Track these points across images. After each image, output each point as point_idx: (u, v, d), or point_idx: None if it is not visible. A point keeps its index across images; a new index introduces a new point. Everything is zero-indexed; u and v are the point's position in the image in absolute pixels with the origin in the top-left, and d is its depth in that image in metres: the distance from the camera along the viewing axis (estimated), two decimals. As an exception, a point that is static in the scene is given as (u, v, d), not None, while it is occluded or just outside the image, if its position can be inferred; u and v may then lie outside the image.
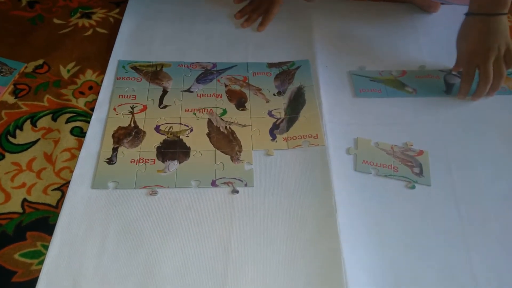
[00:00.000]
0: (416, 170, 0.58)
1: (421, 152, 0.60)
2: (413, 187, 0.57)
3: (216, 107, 0.65)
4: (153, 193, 0.55)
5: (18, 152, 0.59)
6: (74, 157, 0.58)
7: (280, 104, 0.65)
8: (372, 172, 0.58)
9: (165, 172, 0.56)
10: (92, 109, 0.63)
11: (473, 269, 0.50)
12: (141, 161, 0.58)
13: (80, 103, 0.65)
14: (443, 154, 0.61)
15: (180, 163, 0.58)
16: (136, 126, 0.61)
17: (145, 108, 0.64)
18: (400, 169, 0.58)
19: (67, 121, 0.63)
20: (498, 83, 0.64)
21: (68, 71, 0.70)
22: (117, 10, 0.81)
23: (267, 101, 0.66)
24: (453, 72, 0.71)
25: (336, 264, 0.49)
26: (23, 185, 0.56)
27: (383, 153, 0.60)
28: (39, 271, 0.48)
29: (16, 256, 0.49)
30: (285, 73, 0.70)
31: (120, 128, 0.61)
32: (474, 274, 0.50)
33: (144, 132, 0.61)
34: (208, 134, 0.61)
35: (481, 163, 0.60)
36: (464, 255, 0.52)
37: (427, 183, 0.57)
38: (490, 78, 0.63)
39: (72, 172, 0.56)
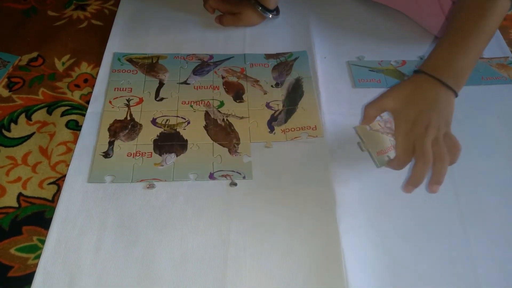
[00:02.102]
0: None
1: None
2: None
3: (213, 99, 0.64)
4: (150, 186, 0.54)
5: (13, 146, 0.58)
6: (70, 151, 0.57)
7: (278, 96, 0.65)
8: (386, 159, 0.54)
9: (162, 165, 0.56)
10: (88, 102, 0.63)
11: (473, 262, 0.50)
12: (137, 154, 0.57)
13: (76, 96, 0.64)
14: (443, 145, 0.60)
15: (177, 156, 0.57)
16: (132, 119, 0.61)
17: (141, 100, 0.63)
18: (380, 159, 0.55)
19: (63, 115, 0.62)
20: (440, 168, 0.49)
21: (63, 63, 0.69)
22: (112, 2, 0.80)
23: (265, 93, 0.65)
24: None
25: (336, 255, 0.49)
26: (19, 179, 0.55)
27: (379, 134, 0.56)
28: (35, 265, 0.47)
29: (12, 250, 0.49)
30: (283, 64, 0.69)
31: (116, 121, 0.60)
32: (475, 266, 0.50)
33: (141, 125, 0.60)
34: (206, 127, 0.60)
35: (481, 153, 0.59)
36: (464, 247, 0.51)
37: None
38: (429, 158, 0.49)
39: (68, 166, 0.56)
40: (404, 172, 0.57)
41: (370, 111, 0.54)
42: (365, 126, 0.56)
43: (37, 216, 0.52)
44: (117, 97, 0.63)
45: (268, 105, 0.63)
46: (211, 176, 0.55)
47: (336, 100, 0.65)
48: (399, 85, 0.54)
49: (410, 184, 0.50)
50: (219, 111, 0.62)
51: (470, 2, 0.53)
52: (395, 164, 0.52)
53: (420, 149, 0.49)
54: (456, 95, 0.53)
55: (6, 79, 0.66)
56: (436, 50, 0.53)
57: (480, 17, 0.52)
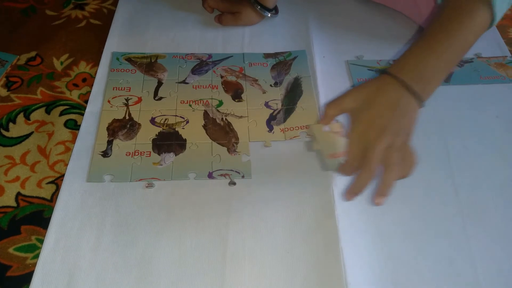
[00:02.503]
0: None
1: None
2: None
3: (212, 98, 0.64)
4: (149, 185, 0.54)
5: (11, 146, 0.58)
6: (69, 150, 0.57)
7: (277, 95, 0.65)
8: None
9: (161, 165, 0.56)
10: (86, 102, 0.63)
11: (473, 260, 0.50)
12: (136, 153, 0.57)
13: (74, 95, 0.64)
14: (442, 143, 0.60)
15: (176, 155, 0.57)
16: (131, 119, 0.61)
17: (140, 100, 0.63)
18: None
19: (61, 114, 0.62)
20: (388, 179, 0.45)
21: (62, 63, 0.69)
22: (110, 1, 0.79)
23: (264, 92, 0.65)
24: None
25: (335, 254, 0.49)
26: (17, 178, 0.55)
27: (336, 136, 0.51)
28: (34, 265, 0.47)
29: (11, 250, 0.49)
30: (281, 63, 0.69)
31: (114, 120, 0.60)
32: (474, 265, 0.50)
33: (139, 124, 0.60)
34: (204, 126, 0.60)
35: (480, 152, 0.59)
36: (464, 245, 0.51)
37: None
38: (373, 168, 0.45)
39: (66, 165, 0.55)
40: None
41: (329, 110, 0.50)
42: (321, 125, 0.51)
43: (35, 215, 0.52)
44: (115, 97, 0.63)
45: (267, 104, 0.63)
46: (210, 175, 0.55)
47: (335, 99, 0.64)
48: (362, 85, 0.50)
49: (350, 191, 0.46)
50: (218, 111, 0.62)
51: (447, 11, 0.50)
52: (344, 168, 0.48)
53: (368, 155, 0.45)
54: (422, 105, 0.49)
55: (4, 79, 0.66)
56: (406, 53, 0.50)
57: (455, 28, 0.49)
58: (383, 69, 0.50)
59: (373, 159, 0.45)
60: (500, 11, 0.49)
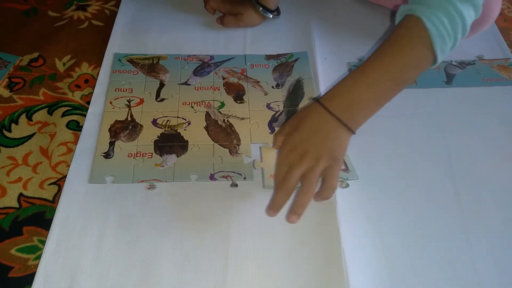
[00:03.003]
0: (342, 166, 0.53)
1: None
2: (347, 186, 0.55)
3: (214, 100, 0.64)
4: (151, 187, 0.54)
5: (13, 146, 0.58)
6: (71, 151, 0.57)
7: (278, 97, 0.65)
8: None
9: (163, 166, 0.56)
10: (88, 103, 0.63)
11: (474, 261, 0.50)
12: (138, 155, 0.57)
13: (76, 96, 0.64)
14: (444, 146, 0.60)
15: (178, 156, 0.57)
16: (133, 120, 0.61)
17: (142, 101, 0.63)
18: None
19: (63, 115, 0.62)
20: (301, 200, 0.47)
21: (64, 64, 0.69)
22: (113, 2, 0.80)
23: (266, 94, 0.65)
24: (453, 63, 0.70)
25: (336, 256, 0.49)
26: (19, 179, 0.55)
27: None
28: (36, 266, 0.47)
29: (13, 251, 0.49)
30: (283, 65, 0.69)
31: (116, 121, 0.60)
32: (475, 267, 0.50)
33: (141, 125, 0.60)
34: (206, 127, 0.60)
35: (482, 154, 0.59)
36: (465, 246, 0.51)
37: (355, 177, 0.55)
38: (288, 188, 0.47)
39: (68, 166, 0.56)
40: (408, 175, 0.57)
41: (275, 136, 0.52)
42: (272, 148, 0.53)
43: (37, 216, 0.52)
44: (117, 98, 0.63)
45: (268, 106, 0.63)
46: (212, 177, 0.55)
47: (337, 101, 0.64)
48: (297, 112, 0.52)
49: (270, 208, 0.48)
50: (219, 112, 0.62)
51: (387, 44, 0.50)
52: (275, 188, 0.49)
53: (286, 177, 0.47)
54: (352, 132, 0.49)
55: (7, 80, 0.66)
56: (339, 83, 0.51)
57: (390, 61, 0.49)
58: (315, 97, 0.52)
59: (290, 180, 0.47)
60: (441, 52, 0.48)
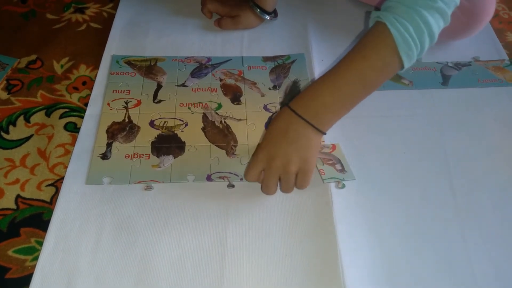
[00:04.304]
0: (338, 166, 0.56)
1: (334, 147, 0.58)
2: (343, 186, 0.55)
3: (211, 101, 0.64)
4: (148, 188, 0.54)
5: (11, 148, 0.58)
6: (68, 153, 0.58)
7: (275, 98, 0.65)
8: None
9: (160, 167, 0.56)
10: (86, 105, 0.63)
11: (471, 261, 0.50)
12: (135, 156, 0.57)
13: (74, 98, 0.65)
14: (440, 146, 0.60)
15: (175, 158, 0.57)
16: (130, 121, 0.61)
17: (139, 103, 0.63)
18: (326, 170, 0.56)
19: (61, 117, 0.62)
20: (285, 192, 0.52)
21: (62, 66, 0.69)
22: (110, 5, 0.80)
23: (263, 95, 0.65)
24: (449, 64, 0.71)
25: (333, 257, 0.49)
26: (17, 181, 0.55)
27: None
28: (33, 267, 0.47)
29: (10, 252, 0.49)
30: (280, 67, 0.70)
31: (114, 123, 0.60)
32: (472, 266, 0.50)
33: (139, 127, 0.60)
34: (203, 129, 0.61)
35: (478, 155, 0.60)
36: (461, 246, 0.51)
37: (351, 177, 0.56)
38: (271, 192, 0.52)
39: (66, 167, 0.56)
40: (404, 175, 0.57)
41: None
42: None
43: (35, 218, 0.52)
44: (115, 99, 0.63)
45: (265, 108, 0.64)
46: (209, 178, 0.55)
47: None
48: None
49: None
50: (216, 113, 0.63)
51: (356, 48, 0.51)
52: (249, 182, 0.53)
53: (264, 185, 0.52)
54: (321, 132, 0.51)
55: (5, 82, 0.66)
56: (308, 87, 0.53)
57: (356, 65, 0.50)
58: (285, 102, 0.53)
59: (269, 185, 0.51)
60: (407, 58, 0.49)
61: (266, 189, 0.52)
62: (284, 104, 0.53)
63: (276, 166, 0.50)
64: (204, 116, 0.62)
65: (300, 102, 0.52)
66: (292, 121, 0.51)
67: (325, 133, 0.52)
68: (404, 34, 0.48)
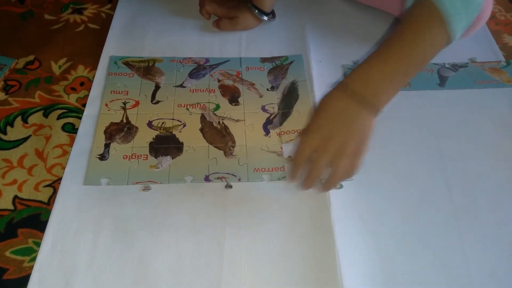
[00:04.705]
0: None
1: None
2: (341, 187, 0.55)
3: (209, 102, 0.64)
4: (146, 189, 0.54)
5: (9, 149, 0.58)
6: (66, 153, 0.58)
7: (273, 99, 0.65)
8: (264, 179, 0.56)
9: (158, 168, 0.56)
10: (84, 105, 0.63)
11: (467, 262, 0.50)
12: (133, 157, 0.57)
13: (72, 99, 0.65)
14: (437, 147, 0.61)
15: (173, 158, 0.57)
16: (128, 122, 0.61)
17: (137, 103, 0.63)
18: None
19: (59, 117, 0.62)
20: (330, 185, 0.50)
21: (60, 67, 0.69)
22: (108, 6, 0.80)
23: (261, 96, 0.66)
24: (446, 65, 0.71)
25: (330, 257, 0.49)
26: (14, 181, 0.55)
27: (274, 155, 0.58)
28: (31, 268, 0.47)
29: (7, 253, 0.49)
30: (278, 68, 0.70)
31: (112, 124, 0.60)
32: (468, 268, 0.50)
33: (137, 127, 0.60)
34: (201, 129, 0.61)
35: (474, 156, 0.60)
36: (458, 247, 0.52)
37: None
38: (318, 175, 0.49)
39: (64, 168, 0.56)
40: (401, 176, 0.58)
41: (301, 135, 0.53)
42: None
43: (32, 218, 0.52)
44: (113, 100, 0.63)
45: (263, 108, 0.64)
46: (207, 179, 0.55)
47: (331, 103, 0.65)
48: (318, 103, 0.52)
49: (302, 185, 0.51)
50: (215, 114, 0.63)
51: (404, 25, 0.51)
52: (292, 170, 0.51)
53: (315, 161, 0.48)
54: (376, 112, 0.50)
55: (2, 82, 0.66)
56: (357, 66, 0.52)
57: (409, 42, 0.50)
58: (335, 83, 0.52)
59: (318, 167, 0.49)
60: (457, 30, 0.50)
61: (316, 172, 0.49)
62: (336, 84, 0.51)
63: (333, 146, 0.47)
64: (202, 117, 0.62)
65: (354, 85, 0.50)
66: (348, 103, 0.49)
67: (379, 113, 0.50)
68: (452, 7, 0.48)
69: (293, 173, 0.51)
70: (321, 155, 0.48)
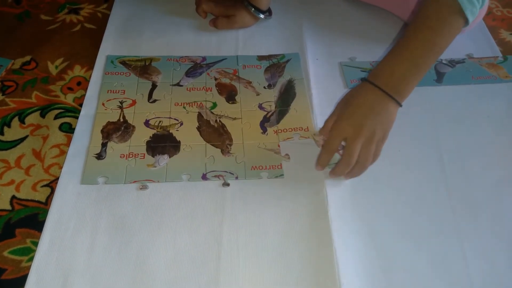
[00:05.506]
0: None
1: None
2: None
3: (206, 100, 0.64)
4: (143, 187, 0.54)
5: (6, 149, 0.58)
6: (63, 153, 0.58)
7: (270, 97, 0.65)
8: (262, 177, 0.56)
9: (155, 167, 0.56)
10: (81, 105, 0.63)
11: (466, 258, 0.50)
12: (130, 155, 0.57)
13: (69, 99, 0.64)
14: (435, 143, 0.61)
15: (170, 157, 0.57)
16: (125, 121, 0.61)
17: (134, 102, 0.63)
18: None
19: (56, 117, 0.62)
20: (359, 169, 0.53)
21: (56, 67, 0.69)
22: (105, 5, 0.80)
23: (258, 94, 0.66)
24: (443, 61, 0.71)
25: (328, 255, 0.49)
26: (12, 182, 0.55)
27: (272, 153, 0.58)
28: (29, 268, 0.47)
29: (5, 253, 0.49)
30: (275, 66, 0.70)
31: (109, 123, 0.60)
32: (467, 264, 0.50)
33: (134, 126, 0.60)
34: (198, 128, 0.61)
35: (472, 151, 0.60)
36: (456, 244, 0.52)
37: None
38: (353, 160, 0.52)
39: (61, 168, 0.56)
40: (399, 173, 0.58)
41: (327, 122, 0.56)
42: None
43: (30, 218, 0.52)
44: (110, 99, 0.63)
45: (260, 106, 0.64)
46: (204, 177, 0.55)
47: (328, 101, 0.64)
48: (344, 95, 0.57)
49: (332, 173, 0.55)
50: (211, 112, 0.63)
51: (420, 19, 0.54)
52: (322, 158, 0.55)
53: (349, 148, 0.52)
54: (399, 104, 0.54)
55: (-1, 83, 0.66)
56: (382, 61, 0.55)
57: (428, 36, 0.53)
58: (362, 77, 0.56)
59: (353, 152, 0.52)
60: (471, 15, 0.53)
61: (349, 157, 0.52)
62: (363, 79, 0.55)
63: (364, 135, 0.52)
64: (199, 115, 0.62)
65: (380, 77, 0.54)
66: (375, 95, 0.53)
67: (401, 105, 0.54)
68: None
69: (325, 160, 0.55)
70: (355, 141, 0.52)
